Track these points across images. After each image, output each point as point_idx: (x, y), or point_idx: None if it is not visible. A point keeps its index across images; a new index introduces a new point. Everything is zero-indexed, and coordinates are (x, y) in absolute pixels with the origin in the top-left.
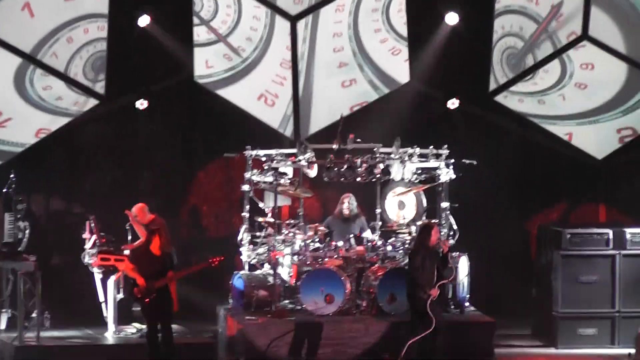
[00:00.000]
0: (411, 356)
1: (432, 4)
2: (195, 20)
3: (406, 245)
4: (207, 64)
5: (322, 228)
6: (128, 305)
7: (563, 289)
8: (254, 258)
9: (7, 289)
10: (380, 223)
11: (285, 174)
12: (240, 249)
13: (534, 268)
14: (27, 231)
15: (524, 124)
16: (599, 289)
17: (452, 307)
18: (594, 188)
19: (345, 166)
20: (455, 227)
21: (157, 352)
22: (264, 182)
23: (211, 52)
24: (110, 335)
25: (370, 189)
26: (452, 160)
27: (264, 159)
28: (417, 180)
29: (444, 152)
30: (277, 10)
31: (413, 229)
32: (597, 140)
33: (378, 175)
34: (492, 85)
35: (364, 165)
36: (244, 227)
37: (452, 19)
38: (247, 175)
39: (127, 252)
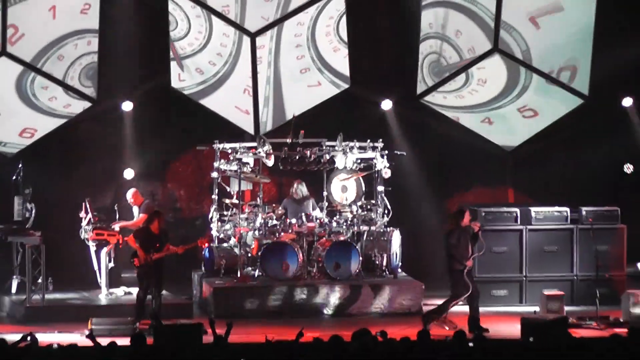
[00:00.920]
0: (442, 312)
1: (371, 14)
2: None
3: (348, 222)
4: (179, 77)
5: (279, 208)
6: (117, 272)
7: (479, 258)
8: (222, 233)
9: (17, 259)
10: (327, 204)
11: (247, 163)
12: (211, 226)
13: None
14: (33, 211)
15: (445, 121)
16: (509, 258)
17: (387, 273)
18: (504, 174)
19: (297, 157)
20: (389, 207)
21: (143, 312)
22: (230, 170)
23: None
24: (103, 297)
25: (318, 176)
26: (386, 152)
27: (229, 151)
28: (357, 168)
29: (379, 144)
30: (238, 27)
31: (354, 208)
32: (507, 129)
33: (325, 164)
34: (420, 88)
35: (313, 156)
36: (213, 207)
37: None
38: (216, 164)
39: (116, 227)
